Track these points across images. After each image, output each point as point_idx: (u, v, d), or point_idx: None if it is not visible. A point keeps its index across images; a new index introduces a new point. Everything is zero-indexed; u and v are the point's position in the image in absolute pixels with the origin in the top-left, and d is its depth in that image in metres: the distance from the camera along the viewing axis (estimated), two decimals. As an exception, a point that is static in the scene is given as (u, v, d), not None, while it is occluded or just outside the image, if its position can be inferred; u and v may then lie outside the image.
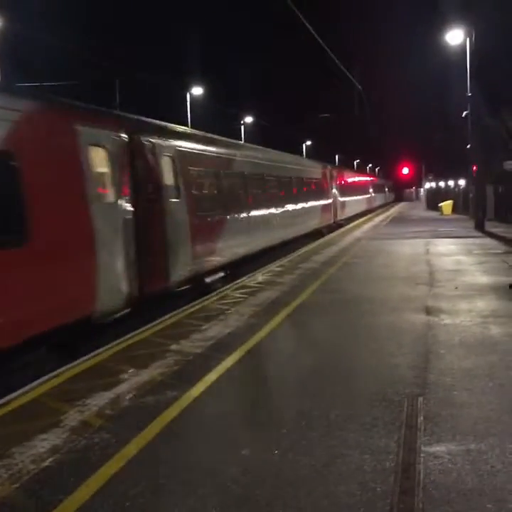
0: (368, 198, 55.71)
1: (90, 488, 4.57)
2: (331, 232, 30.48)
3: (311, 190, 28.58)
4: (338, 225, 34.07)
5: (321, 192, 30.65)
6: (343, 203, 37.48)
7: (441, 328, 9.11)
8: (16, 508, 4.36)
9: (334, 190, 34.04)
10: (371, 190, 59.76)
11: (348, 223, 36.73)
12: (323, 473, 4.69)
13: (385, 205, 75.42)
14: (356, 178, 49.21)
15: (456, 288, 12.42)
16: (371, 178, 66.49)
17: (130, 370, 7.49)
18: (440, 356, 7.66)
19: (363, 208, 50.09)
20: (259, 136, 52.04)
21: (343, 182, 38.11)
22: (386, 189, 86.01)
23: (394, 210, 64.23)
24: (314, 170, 30.50)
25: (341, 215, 36.46)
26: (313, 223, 28.09)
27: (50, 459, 5.06)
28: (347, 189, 39.91)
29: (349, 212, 40.27)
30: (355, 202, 44.59)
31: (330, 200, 32.59)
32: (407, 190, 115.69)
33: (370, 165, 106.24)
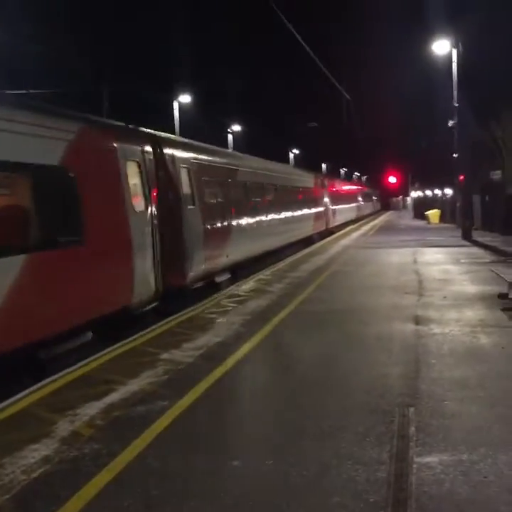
0: (356, 206, 59.58)
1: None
2: (323, 238, 33.66)
3: (309, 198, 32.18)
4: (329, 232, 37.38)
5: (315, 200, 34.13)
6: (334, 211, 41.49)
7: (430, 338, 9.14)
8: (7, 519, 4.32)
9: (326, 199, 37.75)
10: (360, 198, 63.93)
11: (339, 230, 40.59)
12: (315, 483, 4.68)
13: (373, 214, 77.09)
14: (345, 187, 53.65)
15: (445, 297, 12.46)
16: (359, 187, 70.55)
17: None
18: (430, 366, 7.68)
19: (352, 216, 53.98)
20: (246, 144, 51.99)
21: (334, 191, 42.07)
22: (374, 198, 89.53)
23: (381, 219, 64.47)
24: (308, 179, 33.85)
25: (333, 223, 40.40)
26: (308, 230, 31.42)
27: (41, 470, 5.02)
28: (337, 198, 43.60)
29: (340, 219, 44.36)
30: (345, 210, 48.54)
31: (322, 208, 36.28)
32: (394, 199, 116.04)
33: (358, 174, 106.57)
